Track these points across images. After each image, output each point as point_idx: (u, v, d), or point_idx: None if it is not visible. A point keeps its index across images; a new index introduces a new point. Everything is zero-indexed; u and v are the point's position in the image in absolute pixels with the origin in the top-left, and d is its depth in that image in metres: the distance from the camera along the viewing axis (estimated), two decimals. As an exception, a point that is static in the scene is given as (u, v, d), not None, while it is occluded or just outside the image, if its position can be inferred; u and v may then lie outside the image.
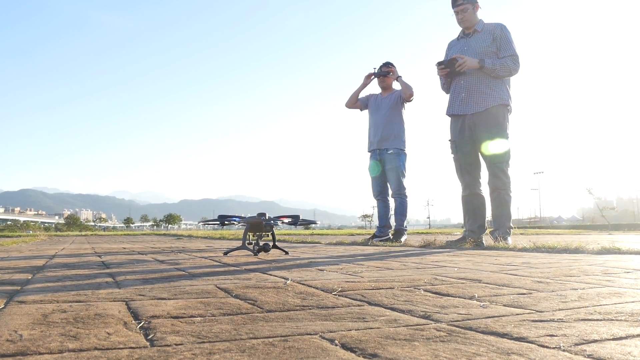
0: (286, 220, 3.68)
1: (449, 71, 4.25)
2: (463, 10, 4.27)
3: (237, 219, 3.68)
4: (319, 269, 2.20)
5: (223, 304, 1.25)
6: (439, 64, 4.31)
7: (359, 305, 1.22)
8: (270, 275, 1.95)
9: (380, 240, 5.55)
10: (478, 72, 4.17)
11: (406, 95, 5.63)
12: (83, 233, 27.16)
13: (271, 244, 3.42)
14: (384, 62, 5.83)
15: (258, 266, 2.42)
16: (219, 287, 1.57)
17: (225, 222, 3.65)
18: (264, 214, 3.43)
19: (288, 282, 1.70)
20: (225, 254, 3.41)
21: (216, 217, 3.71)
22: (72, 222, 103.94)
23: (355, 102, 5.98)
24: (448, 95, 4.48)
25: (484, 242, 4.19)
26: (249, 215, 3.62)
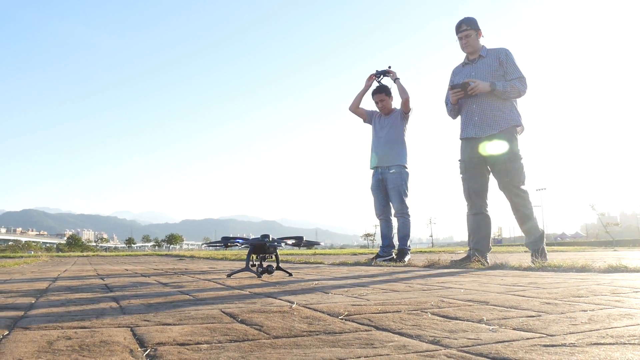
0: (290, 241, 3.67)
1: (462, 95, 4.32)
2: (467, 36, 4.38)
3: (240, 240, 3.67)
4: (324, 292, 2.19)
5: (229, 329, 1.23)
6: (452, 87, 4.38)
7: (366, 330, 1.20)
8: (276, 298, 1.94)
9: (384, 260, 5.52)
10: (489, 95, 4.25)
11: (402, 100, 5.59)
12: (85, 254, 27.10)
13: (275, 265, 3.41)
14: (383, 69, 5.78)
15: (262, 289, 2.40)
16: (224, 312, 1.55)
17: (228, 244, 3.64)
18: (267, 236, 3.43)
19: (293, 305, 1.69)
20: (229, 276, 3.39)
21: (219, 239, 3.70)
22: (74, 243, 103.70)
23: (358, 107, 5.92)
24: (457, 119, 4.56)
25: (488, 260, 4.19)
26: (252, 236, 3.62)
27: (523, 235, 4.39)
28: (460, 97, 4.35)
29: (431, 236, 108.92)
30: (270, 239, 3.42)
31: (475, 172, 4.37)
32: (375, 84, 5.84)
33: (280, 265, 3.50)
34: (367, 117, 5.97)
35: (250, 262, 3.42)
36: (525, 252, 11.44)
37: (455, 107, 4.48)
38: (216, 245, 3.80)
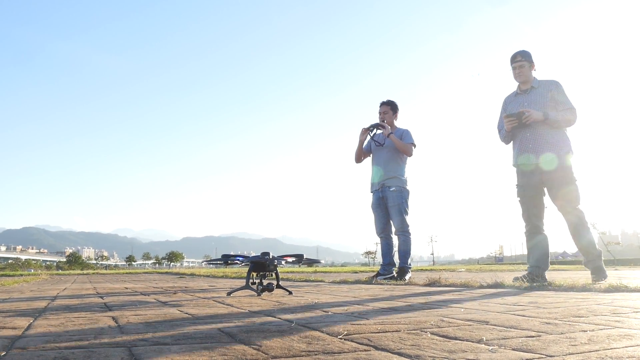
0: (290, 259, 3.67)
1: (517, 124, 4.56)
2: (520, 67, 4.68)
3: (240, 258, 3.67)
4: (323, 310, 2.18)
5: (227, 349, 1.23)
6: (507, 116, 4.63)
7: (365, 350, 1.20)
8: (275, 317, 1.93)
9: (385, 279, 5.50)
10: (542, 124, 4.50)
11: (401, 151, 5.73)
12: (85, 272, 27.00)
13: (275, 283, 3.40)
14: (375, 122, 5.84)
15: (262, 308, 2.39)
16: (222, 331, 1.55)
17: (229, 262, 3.64)
18: (267, 254, 3.42)
19: (293, 324, 1.68)
20: (229, 294, 3.38)
21: (220, 257, 3.70)
22: (74, 261, 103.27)
23: (361, 156, 6.03)
24: (509, 145, 4.82)
25: (546, 277, 4.34)
26: (253, 254, 3.62)
27: (525, 253, 4.44)
28: (515, 126, 4.60)
29: (432, 254, 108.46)
30: (271, 257, 3.41)
31: (532, 195, 4.59)
32: (379, 128, 5.89)
33: (280, 283, 3.50)
34: (369, 152, 6.03)
35: (251, 280, 3.41)
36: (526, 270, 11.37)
37: (509, 134, 4.76)
38: (216, 263, 3.80)
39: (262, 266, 3.39)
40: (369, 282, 5.22)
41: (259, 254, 3.47)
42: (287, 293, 3.41)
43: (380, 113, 5.94)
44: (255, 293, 3.31)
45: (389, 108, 5.94)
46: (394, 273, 5.62)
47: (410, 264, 5.70)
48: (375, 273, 5.97)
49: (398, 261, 5.72)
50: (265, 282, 3.38)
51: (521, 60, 4.68)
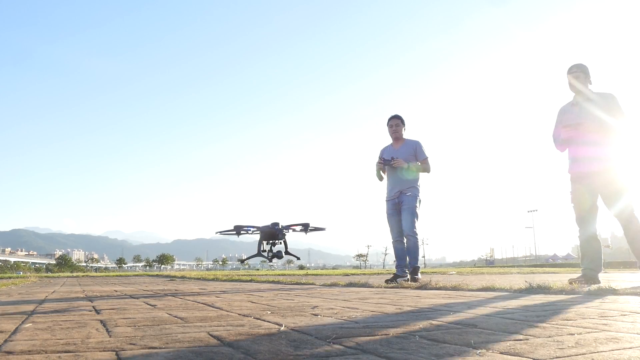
0: (297, 228, 4.01)
1: (574, 134, 4.72)
2: (576, 78, 4.81)
3: (251, 228, 3.96)
4: (313, 314, 2.18)
5: (215, 353, 1.22)
6: (566, 126, 4.80)
7: (353, 354, 1.20)
8: (264, 321, 1.92)
9: (404, 280, 5.59)
10: (594, 134, 4.64)
11: (426, 172, 6.02)
12: (74, 274, 26.81)
13: (283, 251, 3.70)
14: (388, 160, 5.95)
15: (251, 311, 2.38)
16: (211, 335, 1.54)
17: (242, 232, 3.96)
18: (277, 223, 3.77)
19: (282, 328, 1.68)
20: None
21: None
22: (64, 263, 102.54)
23: (382, 177, 6.16)
24: (564, 153, 4.95)
25: (600, 279, 4.44)
26: (263, 224, 3.93)
27: (515, 257, 4.53)
28: (572, 136, 4.74)
29: (424, 257, 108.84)
30: (280, 227, 3.74)
31: (584, 201, 4.75)
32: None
33: (288, 250, 3.83)
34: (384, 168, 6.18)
35: (261, 248, 3.75)
36: (519, 273, 11.39)
37: (565, 142, 4.91)
38: (229, 233, 4.15)
39: (271, 235, 3.73)
40: (362, 285, 5.22)
41: (269, 224, 3.76)
42: (296, 259, 3.77)
43: (392, 126, 6.11)
44: (247, 291, 3.40)
45: (400, 121, 6.13)
46: (408, 275, 5.74)
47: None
48: (392, 275, 6.01)
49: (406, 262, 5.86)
50: (274, 249, 3.72)
51: (577, 72, 4.81)
